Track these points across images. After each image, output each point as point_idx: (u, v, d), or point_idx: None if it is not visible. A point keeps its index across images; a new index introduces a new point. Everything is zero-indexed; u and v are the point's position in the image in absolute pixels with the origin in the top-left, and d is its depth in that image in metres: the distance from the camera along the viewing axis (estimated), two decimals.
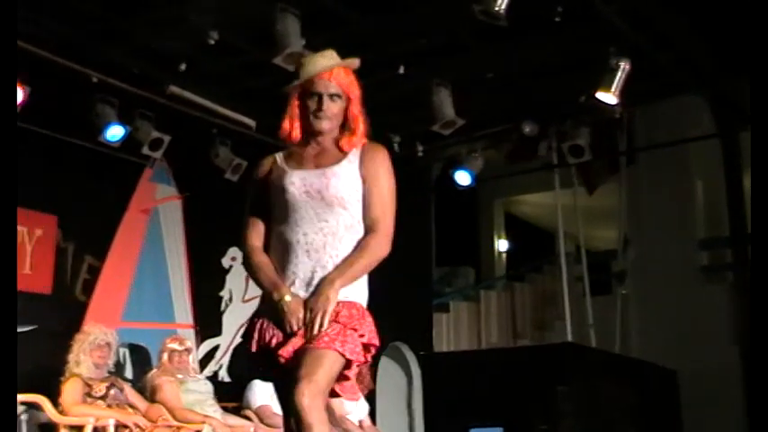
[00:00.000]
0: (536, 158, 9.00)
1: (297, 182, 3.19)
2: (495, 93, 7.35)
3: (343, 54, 3.24)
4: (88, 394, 5.76)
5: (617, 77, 6.48)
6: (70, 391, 5.73)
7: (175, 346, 6.43)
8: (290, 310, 3.05)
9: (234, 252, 8.43)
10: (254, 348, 3.12)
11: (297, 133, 3.24)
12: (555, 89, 7.34)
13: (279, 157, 3.36)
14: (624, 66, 6.46)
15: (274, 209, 3.24)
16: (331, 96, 3.20)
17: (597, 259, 11.16)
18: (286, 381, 2.95)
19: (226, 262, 8.43)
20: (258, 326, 3.14)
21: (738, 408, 7.72)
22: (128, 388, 6.04)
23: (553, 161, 9.15)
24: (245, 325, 3.26)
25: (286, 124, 3.24)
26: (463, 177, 8.25)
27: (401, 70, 6.81)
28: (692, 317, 9.40)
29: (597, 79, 6.57)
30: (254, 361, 3.14)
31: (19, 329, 7.04)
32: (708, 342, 8.18)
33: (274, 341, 3.07)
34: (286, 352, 3.01)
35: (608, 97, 6.63)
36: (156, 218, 8.19)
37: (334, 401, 7.08)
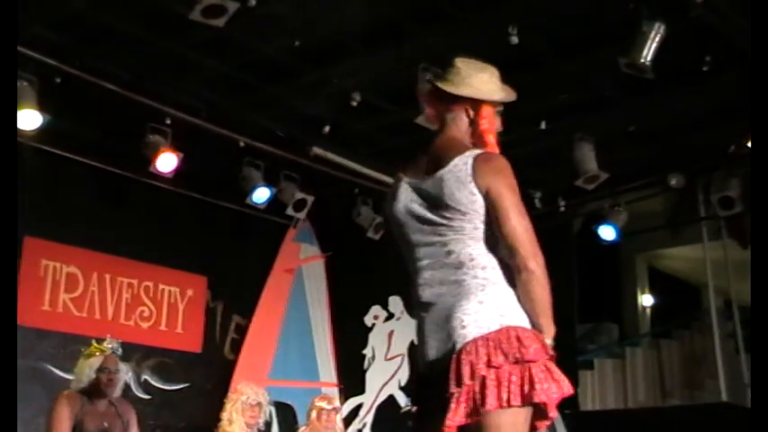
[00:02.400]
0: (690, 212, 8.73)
1: None
2: (640, 145, 7.19)
3: None
4: None
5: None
6: None
7: (324, 404, 6.46)
8: None
9: (376, 310, 8.49)
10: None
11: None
12: (702, 140, 7.13)
13: None
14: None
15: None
16: None
17: (747, 315, 10.68)
18: None
19: (368, 320, 8.49)
20: None
21: None
22: None
23: (701, 213, 8.86)
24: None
25: (494, 144, 3.03)
26: (608, 232, 8.06)
27: (542, 125, 6.75)
28: None
29: (748, 128, 6.34)
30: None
31: (173, 387, 7.28)
32: None
33: None
34: None
35: None
36: (300, 277, 8.34)
37: None
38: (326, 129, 6.75)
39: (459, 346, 2.69)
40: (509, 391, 2.63)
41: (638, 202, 8.32)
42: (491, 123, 3.02)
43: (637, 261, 13.78)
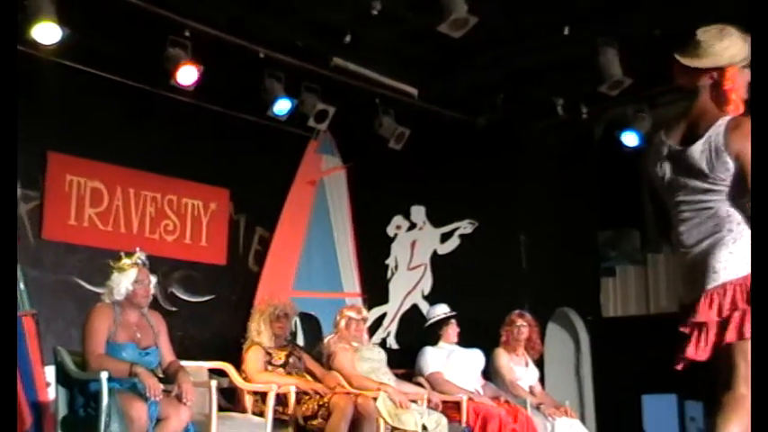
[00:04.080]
0: None
1: None
2: (664, 50, 7.05)
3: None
4: (269, 362, 5.95)
5: None
6: (253, 359, 5.93)
7: (353, 314, 6.54)
8: None
9: (398, 220, 8.52)
10: None
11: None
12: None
13: None
14: None
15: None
16: None
17: None
18: None
19: (391, 230, 8.53)
20: None
21: None
22: (305, 356, 6.20)
23: None
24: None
25: (736, 103, 3.37)
26: (631, 138, 8.00)
27: (566, 31, 6.64)
28: None
29: None
30: None
31: (198, 299, 7.39)
32: None
33: None
34: None
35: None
36: (323, 189, 8.37)
37: (506, 368, 7.07)
38: (347, 38, 6.68)
39: (709, 287, 3.25)
40: (741, 330, 3.17)
41: (662, 107, 8.24)
42: (734, 83, 3.35)
43: None
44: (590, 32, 6.72)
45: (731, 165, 3.26)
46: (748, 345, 3.13)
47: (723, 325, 3.23)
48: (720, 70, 3.40)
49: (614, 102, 7.71)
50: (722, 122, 3.30)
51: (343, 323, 6.48)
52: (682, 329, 3.40)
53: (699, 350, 3.31)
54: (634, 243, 12.50)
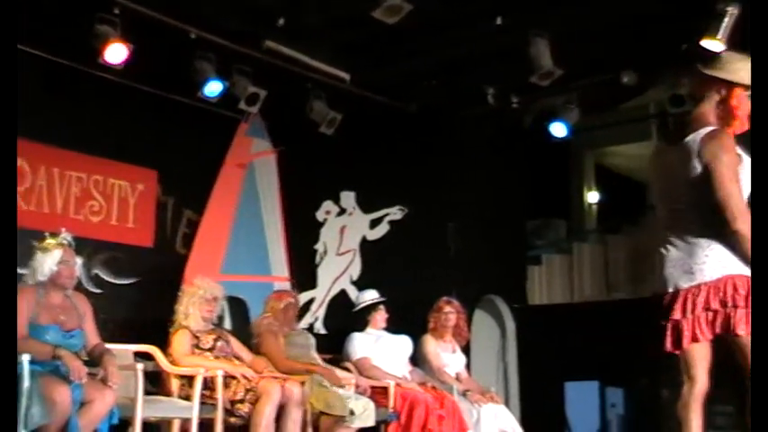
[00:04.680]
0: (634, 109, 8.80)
1: None
2: (594, 42, 7.17)
3: None
4: (196, 346, 5.90)
5: (724, 24, 6.26)
6: (180, 342, 5.87)
7: (292, 299, 6.55)
8: None
9: (328, 205, 8.50)
10: None
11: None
12: (655, 38, 7.14)
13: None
14: (732, 11, 6.23)
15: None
16: None
17: None
18: None
19: (320, 215, 8.51)
20: None
21: None
22: (233, 340, 6.16)
23: (651, 111, 8.95)
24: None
25: (741, 122, 3.67)
26: (559, 129, 8.12)
27: (498, 21, 6.69)
28: None
29: (702, 26, 6.36)
30: None
31: (124, 281, 7.27)
32: None
33: None
34: None
35: (714, 45, 6.41)
36: (252, 172, 8.28)
37: (433, 354, 7.13)
38: (280, 22, 6.63)
39: (685, 286, 3.59)
40: (713, 329, 3.52)
41: (589, 99, 8.36)
42: (740, 102, 3.63)
43: (585, 158, 13.91)
44: (522, 23, 6.79)
45: (703, 168, 3.55)
46: (742, 341, 3.44)
47: (697, 322, 3.54)
48: (729, 87, 3.64)
49: (544, 92, 7.80)
50: (704, 130, 3.59)
51: (282, 304, 6.46)
52: (662, 323, 3.74)
53: (673, 344, 3.66)
54: (560, 232, 12.72)
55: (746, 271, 3.52)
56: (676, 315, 3.61)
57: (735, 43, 6.35)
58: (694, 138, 3.60)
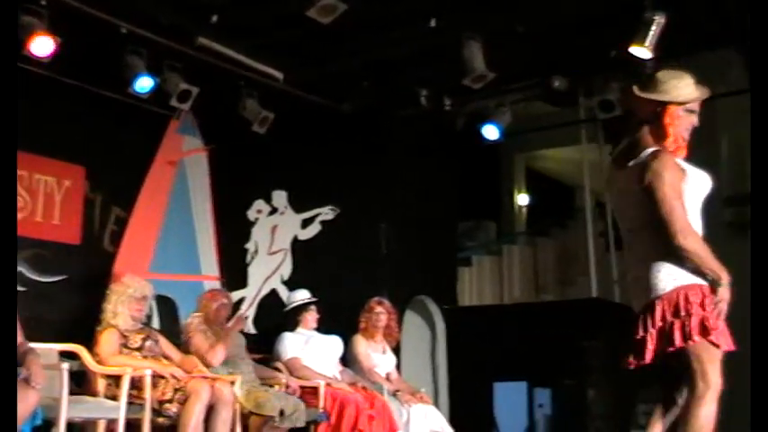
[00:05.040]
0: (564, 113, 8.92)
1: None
2: (527, 46, 7.26)
3: None
4: (124, 345, 5.81)
5: (651, 32, 6.40)
6: (108, 341, 5.77)
7: (225, 300, 6.49)
8: None
9: (259, 204, 8.46)
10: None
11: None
12: (586, 43, 7.25)
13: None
14: (659, 19, 6.37)
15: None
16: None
17: None
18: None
19: (251, 214, 8.46)
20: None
21: None
22: (162, 339, 6.07)
23: (580, 116, 9.08)
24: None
25: (674, 139, 3.81)
26: (491, 131, 8.18)
27: (432, 23, 6.72)
28: None
29: (631, 33, 6.49)
30: None
31: (50, 279, 7.12)
32: (731, 299, 8.28)
33: None
34: None
35: (642, 51, 6.54)
36: (183, 170, 8.20)
37: (364, 354, 7.13)
38: (213, 18, 6.57)
39: (643, 303, 3.73)
40: (672, 340, 3.61)
41: (521, 102, 8.46)
42: (674, 120, 3.79)
43: (515, 161, 14.06)
44: (455, 25, 6.83)
45: (644, 191, 3.70)
46: (697, 348, 3.59)
47: (659, 335, 3.65)
48: (663, 106, 3.79)
49: (477, 95, 7.87)
50: (647, 152, 3.74)
51: (214, 305, 6.40)
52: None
53: (640, 357, 3.74)
54: (490, 234, 12.86)
55: (698, 280, 3.65)
56: (640, 332, 3.73)
57: (661, 50, 6.51)
58: (637, 161, 3.76)
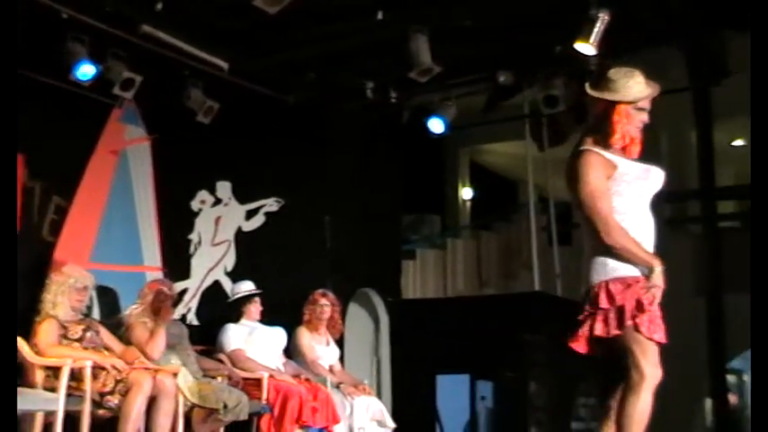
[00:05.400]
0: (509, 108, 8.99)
1: None
2: (473, 41, 7.30)
3: None
4: (64, 336, 5.71)
5: (596, 28, 6.48)
6: (47, 332, 5.66)
7: (166, 289, 6.40)
8: None
9: (203, 195, 8.37)
10: None
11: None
12: (532, 39, 7.32)
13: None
14: (603, 17, 6.45)
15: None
16: None
17: (562, 209, 11.20)
18: None
19: (195, 205, 8.36)
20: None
21: (703, 357, 7.90)
22: (103, 330, 5.98)
23: (525, 111, 9.17)
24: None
25: (621, 137, 3.88)
26: (437, 125, 8.22)
27: (379, 15, 6.72)
28: None
29: (576, 30, 6.56)
30: None
31: None
32: (672, 293, 8.43)
33: None
34: None
35: (586, 48, 6.62)
36: (125, 159, 8.08)
37: (307, 346, 7.11)
38: (158, 6, 6.48)
39: (583, 290, 3.86)
40: (603, 327, 3.74)
41: (466, 96, 8.50)
42: (622, 118, 3.86)
43: (460, 155, 14.15)
44: (402, 19, 6.84)
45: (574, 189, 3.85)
46: (629, 340, 3.70)
47: (587, 325, 3.79)
48: (613, 104, 3.86)
49: (422, 88, 7.89)
50: (579, 149, 3.87)
51: (150, 297, 6.32)
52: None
53: (578, 342, 3.85)
54: (434, 227, 12.93)
55: (630, 272, 3.77)
56: (581, 317, 3.86)
57: (606, 47, 6.60)
58: (572, 153, 3.93)
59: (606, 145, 3.89)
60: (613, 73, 3.93)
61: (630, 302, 3.72)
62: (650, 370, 3.72)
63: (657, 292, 3.73)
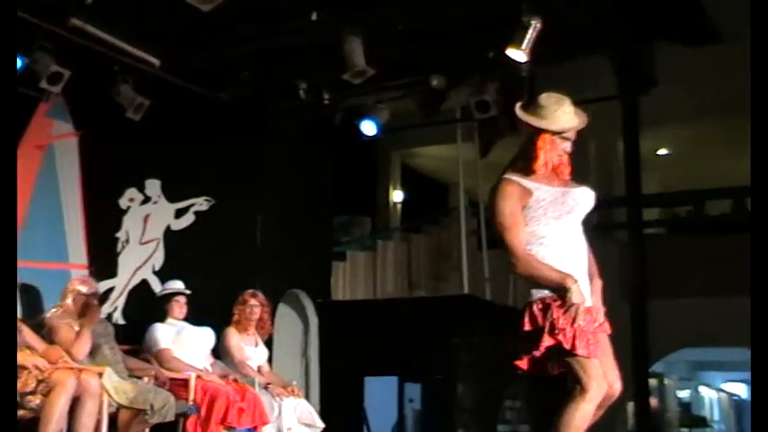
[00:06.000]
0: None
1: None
2: (407, 44, 7.34)
3: None
4: None
5: (528, 35, 6.56)
6: None
7: (83, 288, 6.26)
8: None
9: (132, 193, 8.27)
10: None
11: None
12: (466, 43, 7.39)
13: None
14: (535, 24, 6.54)
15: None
16: None
17: (490, 214, 11.33)
18: None
19: (123, 203, 8.26)
20: None
21: (627, 358, 8.03)
22: (25, 329, 5.85)
23: (457, 115, 9.24)
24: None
25: (543, 164, 3.96)
26: (369, 127, 8.24)
27: (314, 16, 6.72)
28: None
29: (508, 36, 6.64)
30: None
31: None
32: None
33: None
34: None
35: (518, 54, 6.71)
36: (52, 155, 7.96)
37: (236, 347, 7.06)
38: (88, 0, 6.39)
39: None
40: (538, 345, 3.81)
41: (399, 99, 8.54)
42: (546, 145, 3.94)
43: (392, 157, 14.22)
44: (337, 20, 6.84)
45: None
46: (566, 354, 3.75)
47: (527, 340, 3.87)
48: (538, 131, 3.94)
49: (356, 90, 7.90)
50: (500, 178, 3.96)
51: (70, 298, 6.19)
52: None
53: (522, 360, 3.94)
54: (365, 229, 12.96)
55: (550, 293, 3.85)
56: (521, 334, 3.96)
57: (537, 54, 6.70)
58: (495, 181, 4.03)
59: (528, 171, 3.95)
60: (544, 98, 3.99)
61: (549, 323, 3.80)
62: (592, 384, 3.76)
63: (579, 310, 3.76)
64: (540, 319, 3.82)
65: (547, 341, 3.77)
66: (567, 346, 3.75)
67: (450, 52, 7.62)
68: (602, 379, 3.80)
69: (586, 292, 3.91)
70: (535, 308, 3.84)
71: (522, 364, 3.92)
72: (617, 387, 3.99)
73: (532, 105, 3.99)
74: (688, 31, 8.36)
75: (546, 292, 3.83)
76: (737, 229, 12.39)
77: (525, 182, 3.92)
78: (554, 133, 3.94)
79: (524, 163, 3.96)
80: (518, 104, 4.05)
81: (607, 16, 7.23)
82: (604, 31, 7.43)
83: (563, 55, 7.52)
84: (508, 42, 6.70)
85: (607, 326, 4.00)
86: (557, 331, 3.76)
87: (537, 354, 3.82)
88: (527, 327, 3.84)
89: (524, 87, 7.95)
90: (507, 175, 3.94)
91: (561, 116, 3.94)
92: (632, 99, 8.10)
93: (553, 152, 3.95)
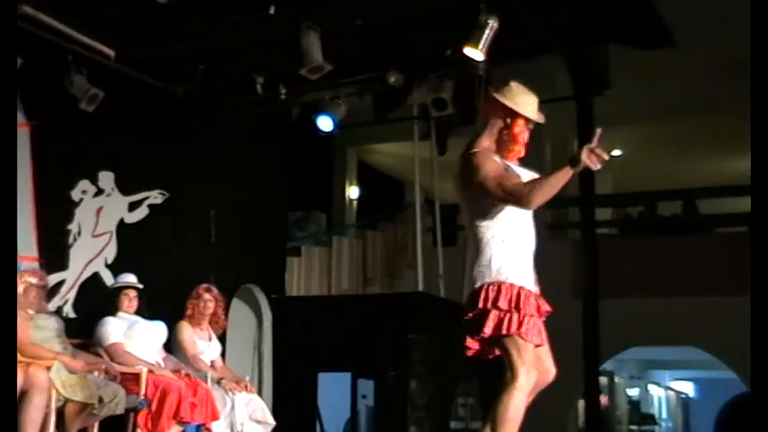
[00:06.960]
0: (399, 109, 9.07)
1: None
2: (364, 40, 7.34)
3: None
4: None
5: (485, 34, 6.60)
6: None
7: (33, 280, 6.18)
8: None
9: (85, 185, 8.15)
10: None
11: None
12: (423, 41, 7.41)
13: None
14: (492, 24, 6.58)
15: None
16: None
17: (447, 211, 11.37)
18: None
19: (76, 195, 8.13)
20: None
21: (578, 356, 8.11)
22: None
23: (413, 113, 9.26)
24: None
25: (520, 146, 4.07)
26: (326, 123, 8.24)
27: (272, 10, 6.69)
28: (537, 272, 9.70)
29: (466, 35, 6.68)
30: None
31: None
32: (551, 295, 8.67)
33: None
34: None
35: (475, 53, 6.75)
36: None
37: (189, 341, 7.02)
38: None
39: (467, 292, 4.02)
40: (481, 329, 3.89)
41: (355, 96, 8.54)
42: (522, 130, 4.05)
43: (348, 154, 14.20)
44: (295, 15, 6.82)
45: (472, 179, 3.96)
46: (509, 340, 3.84)
47: (470, 326, 3.94)
48: (513, 117, 4.02)
49: (313, 85, 7.89)
50: (471, 150, 4.01)
51: (21, 288, 6.10)
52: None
53: (469, 343, 4.01)
54: (320, 225, 12.94)
55: (507, 279, 3.94)
56: (469, 317, 4.03)
57: (494, 53, 6.74)
58: (464, 153, 4.06)
59: (502, 154, 4.04)
60: (516, 87, 4.09)
61: (503, 309, 3.88)
62: (524, 371, 3.83)
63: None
64: (483, 302, 3.91)
65: (492, 320, 3.86)
66: (522, 331, 3.84)
67: (408, 49, 7.64)
68: (532, 366, 3.88)
69: (532, 279, 4.05)
70: (482, 294, 3.93)
71: (473, 344, 3.99)
72: (551, 373, 4.08)
73: (507, 91, 4.07)
74: (641, 34, 8.48)
75: (487, 279, 3.93)
76: (688, 229, 12.60)
77: (498, 158, 4.02)
78: (528, 120, 4.05)
79: (498, 146, 4.04)
80: (491, 90, 4.14)
81: (562, 18, 7.29)
82: (560, 32, 7.50)
83: (519, 55, 7.57)
84: (465, 41, 6.74)
85: (547, 307, 4.09)
86: (501, 313, 3.87)
87: (485, 335, 3.89)
88: (473, 311, 3.93)
89: (480, 86, 8.00)
90: (480, 149, 4.01)
91: (530, 105, 4.07)
92: (587, 100, 8.17)
93: (523, 140, 4.07)
